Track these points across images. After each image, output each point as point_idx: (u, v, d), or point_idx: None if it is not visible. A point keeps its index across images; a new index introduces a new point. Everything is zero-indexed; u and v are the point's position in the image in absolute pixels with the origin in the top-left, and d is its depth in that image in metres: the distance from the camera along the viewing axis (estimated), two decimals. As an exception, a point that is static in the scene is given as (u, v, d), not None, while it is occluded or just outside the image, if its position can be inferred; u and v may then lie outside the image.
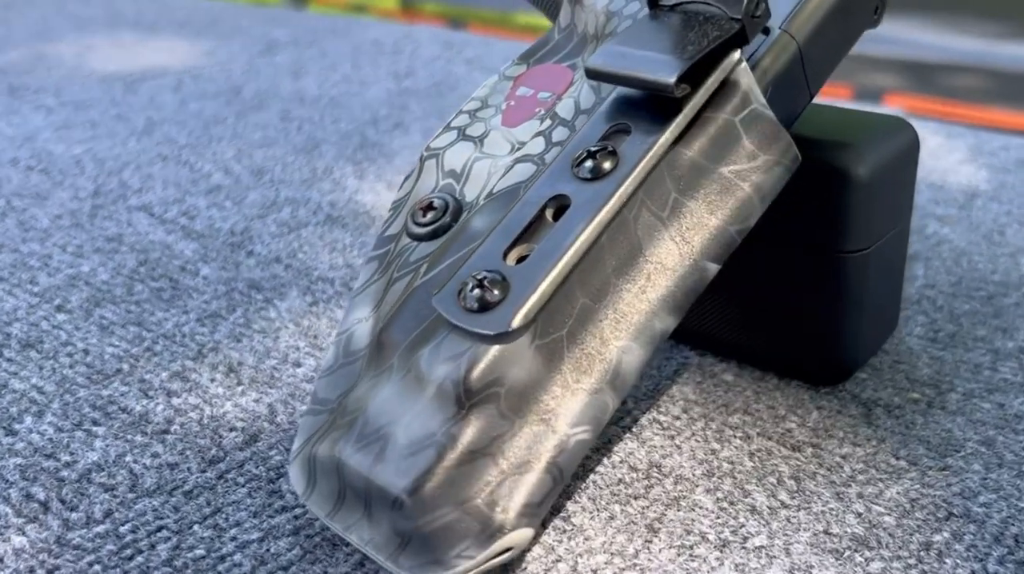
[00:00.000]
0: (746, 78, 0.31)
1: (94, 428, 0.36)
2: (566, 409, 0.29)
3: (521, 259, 0.30)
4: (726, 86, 0.31)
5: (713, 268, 0.31)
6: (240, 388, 0.38)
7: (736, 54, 0.31)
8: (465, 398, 0.28)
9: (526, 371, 0.28)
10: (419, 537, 0.28)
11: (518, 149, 0.35)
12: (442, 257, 0.32)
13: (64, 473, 0.33)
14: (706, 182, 0.31)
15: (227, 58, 0.85)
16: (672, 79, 0.29)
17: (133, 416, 0.36)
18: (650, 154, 0.30)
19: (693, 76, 0.30)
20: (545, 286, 0.28)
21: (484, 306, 0.28)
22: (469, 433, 0.28)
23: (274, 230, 0.52)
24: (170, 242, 0.51)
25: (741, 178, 0.31)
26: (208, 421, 0.36)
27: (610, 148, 0.30)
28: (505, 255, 0.30)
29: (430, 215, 0.34)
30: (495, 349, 0.28)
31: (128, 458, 0.34)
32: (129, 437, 0.35)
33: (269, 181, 0.59)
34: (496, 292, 0.29)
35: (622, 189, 0.29)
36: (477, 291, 0.29)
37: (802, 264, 0.36)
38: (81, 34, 0.94)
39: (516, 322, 0.28)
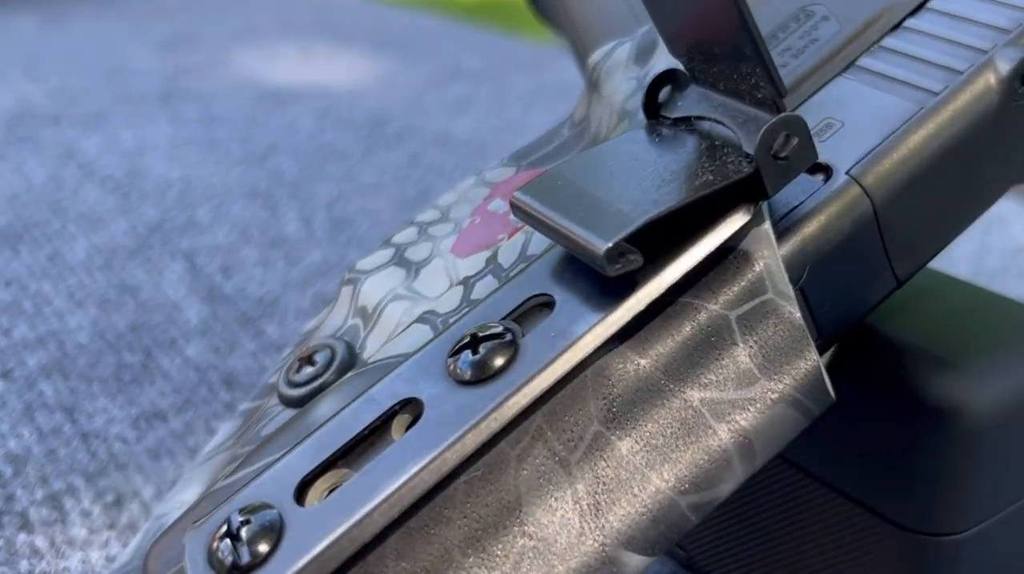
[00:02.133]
0: (764, 249, 0.19)
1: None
2: None
3: (331, 491, 0.19)
4: (728, 260, 0.19)
5: (635, 565, 0.18)
6: (107, 535, 0.29)
7: (743, 211, 0.18)
8: None
9: None
10: None
11: (445, 294, 0.24)
12: (260, 453, 0.22)
13: None
14: (656, 412, 0.18)
15: (401, 83, 0.78)
16: (602, 246, 0.17)
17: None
18: (567, 354, 0.18)
19: (665, 238, 0.18)
20: (330, 551, 0.17)
21: (238, 571, 0.18)
22: None
23: (304, 306, 0.43)
24: (182, 305, 0.43)
25: (718, 414, 0.19)
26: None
27: (509, 336, 0.19)
28: (305, 484, 0.19)
29: (306, 371, 0.24)
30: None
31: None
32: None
33: (345, 240, 0.50)
34: (261, 547, 0.18)
35: (508, 404, 0.18)
36: (229, 543, 0.18)
37: (860, 539, 0.23)
38: (269, 41, 0.90)
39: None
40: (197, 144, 0.63)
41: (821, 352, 0.21)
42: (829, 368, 0.21)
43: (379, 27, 0.96)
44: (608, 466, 0.18)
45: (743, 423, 0.19)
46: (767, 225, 0.19)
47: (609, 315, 0.18)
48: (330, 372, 0.24)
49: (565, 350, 0.18)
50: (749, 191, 0.19)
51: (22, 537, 0.29)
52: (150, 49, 0.84)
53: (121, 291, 0.44)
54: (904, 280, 0.21)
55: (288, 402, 0.24)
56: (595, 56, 0.26)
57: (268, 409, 0.24)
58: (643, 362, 0.19)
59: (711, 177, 0.19)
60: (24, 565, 0.28)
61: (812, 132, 0.21)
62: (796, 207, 0.20)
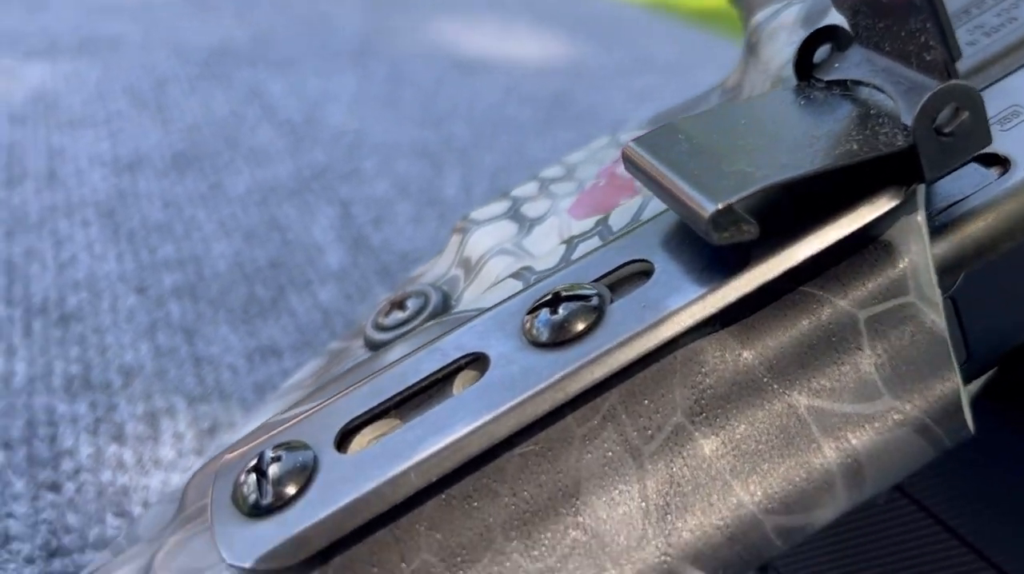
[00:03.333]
0: (913, 244, 0.16)
1: None
2: None
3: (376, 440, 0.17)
4: (867, 250, 0.16)
5: None
6: (192, 460, 0.29)
7: (891, 194, 0.16)
8: None
9: None
10: None
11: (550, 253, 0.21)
12: (322, 392, 0.20)
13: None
14: (752, 413, 0.16)
15: (591, 67, 0.76)
16: (709, 208, 0.15)
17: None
18: (657, 328, 0.16)
19: (791, 212, 0.16)
20: (357, 506, 0.15)
21: (258, 510, 0.16)
22: None
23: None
24: (325, 249, 0.43)
25: (826, 428, 0.16)
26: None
27: (595, 300, 0.16)
28: (351, 430, 0.17)
29: (395, 316, 0.22)
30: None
31: None
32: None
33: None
34: (288, 489, 0.16)
35: (581, 374, 0.16)
36: (255, 479, 0.16)
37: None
38: (472, 13, 0.90)
39: (259, 558, 0.15)
40: (378, 101, 0.63)
41: (968, 378, 0.17)
42: (977, 399, 0.18)
43: (581, 12, 0.94)
44: (686, 465, 0.16)
45: (854, 442, 0.16)
46: (920, 216, 0.16)
47: (712, 292, 0.16)
48: (420, 319, 0.22)
49: (655, 324, 0.16)
50: (902, 171, 0.16)
51: (113, 448, 0.29)
52: (356, 6, 0.86)
53: (270, 227, 0.44)
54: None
55: (372, 346, 0.22)
56: (758, 17, 0.23)
57: (352, 351, 0.23)
58: (745, 354, 0.16)
59: (856, 147, 0.16)
60: (107, 475, 0.28)
61: (994, 119, 0.17)
62: (960, 201, 0.17)
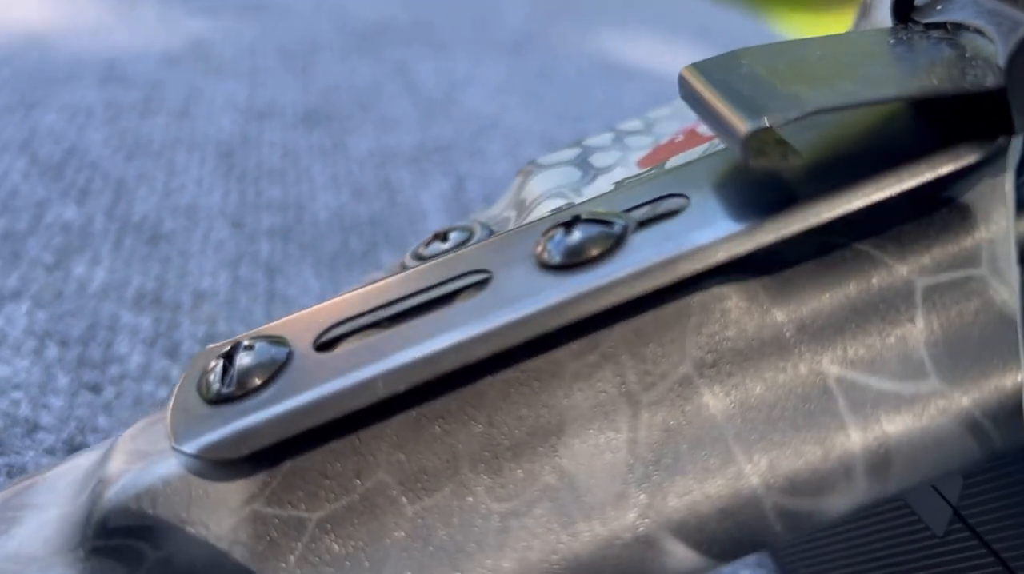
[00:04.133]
0: (994, 211, 0.14)
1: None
2: None
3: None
4: (938, 212, 0.14)
5: (681, 560, 0.14)
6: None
7: (974, 149, 0.13)
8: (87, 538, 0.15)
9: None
10: None
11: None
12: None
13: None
14: (772, 375, 0.14)
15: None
16: (746, 125, 0.13)
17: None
18: (678, 264, 0.14)
19: (849, 152, 0.14)
20: (316, 407, 0.14)
21: (218, 398, 0.15)
22: None
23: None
24: (429, 216, 0.42)
25: (856, 404, 0.14)
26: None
27: (617, 227, 0.15)
28: (339, 335, 0.16)
29: (435, 247, 0.21)
30: (161, 481, 0.15)
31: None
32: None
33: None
34: (253, 380, 0.15)
35: (584, 302, 0.14)
36: (222, 368, 0.15)
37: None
38: (635, 28, 0.88)
39: (201, 447, 0.14)
40: (521, 92, 0.62)
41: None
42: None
43: (740, 33, 0.91)
44: (686, 421, 0.14)
45: (887, 426, 0.13)
46: (1008, 180, 0.14)
47: (746, 231, 0.14)
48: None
49: (676, 259, 0.14)
50: (991, 122, 0.13)
51: (163, 362, 0.29)
52: (524, 4, 0.85)
53: (380, 187, 0.44)
54: None
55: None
56: None
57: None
58: (775, 309, 0.14)
59: (937, 81, 0.13)
60: (149, 386, 0.27)
61: None
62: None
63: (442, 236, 0.21)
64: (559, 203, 0.20)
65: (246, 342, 0.15)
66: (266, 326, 0.16)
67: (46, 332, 0.29)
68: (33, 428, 0.25)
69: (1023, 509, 0.16)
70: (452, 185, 0.46)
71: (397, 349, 0.14)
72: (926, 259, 0.14)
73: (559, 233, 0.15)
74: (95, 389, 0.27)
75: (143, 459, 0.15)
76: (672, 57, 0.75)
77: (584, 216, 0.15)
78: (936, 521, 0.18)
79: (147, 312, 0.31)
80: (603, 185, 0.21)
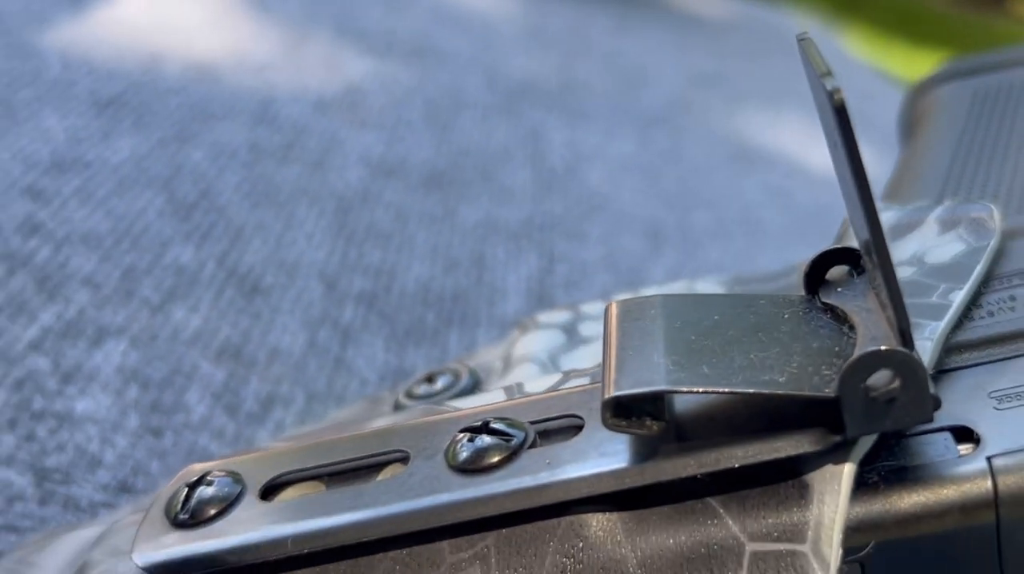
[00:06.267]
0: (828, 495, 0.16)
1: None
2: None
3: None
4: (782, 485, 0.16)
5: None
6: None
7: (815, 438, 0.15)
8: None
9: None
10: None
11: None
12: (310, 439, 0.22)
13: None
14: None
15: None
16: (607, 392, 0.15)
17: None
18: (550, 489, 0.17)
19: (707, 425, 0.16)
20: (235, 552, 0.17)
21: (175, 522, 0.19)
22: None
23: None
24: (510, 295, 0.45)
25: None
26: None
27: (515, 441, 0.17)
28: (282, 484, 0.19)
29: (423, 388, 0.24)
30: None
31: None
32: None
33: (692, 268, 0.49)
34: (209, 512, 0.18)
35: (466, 507, 0.17)
36: (185, 495, 0.19)
37: None
38: (784, 107, 0.88)
39: (149, 564, 0.18)
40: (642, 172, 0.64)
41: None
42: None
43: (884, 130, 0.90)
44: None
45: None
46: (848, 469, 0.16)
47: (608, 473, 0.16)
48: (444, 396, 0.23)
49: (545, 486, 0.16)
50: (830, 419, 0.15)
51: (221, 419, 0.33)
52: (679, 79, 0.87)
53: (474, 263, 0.47)
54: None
55: (397, 408, 0.24)
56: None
57: (380, 409, 0.24)
58: (626, 542, 0.16)
59: (783, 379, 0.15)
60: (203, 438, 0.31)
61: (1001, 393, 0.16)
62: (909, 468, 0.16)
63: (431, 378, 0.24)
64: (534, 368, 0.23)
65: (211, 476, 0.19)
66: (235, 458, 0.20)
67: (133, 373, 0.33)
68: (97, 464, 0.29)
69: None
70: (541, 267, 0.48)
71: (314, 514, 0.17)
72: (760, 526, 0.16)
73: (466, 437, 0.18)
74: (157, 433, 0.31)
75: (116, 556, 0.19)
76: (801, 147, 0.76)
77: (492, 424, 0.18)
78: None
79: (224, 365, 0.35)
80: (582, 356, 0.23)
